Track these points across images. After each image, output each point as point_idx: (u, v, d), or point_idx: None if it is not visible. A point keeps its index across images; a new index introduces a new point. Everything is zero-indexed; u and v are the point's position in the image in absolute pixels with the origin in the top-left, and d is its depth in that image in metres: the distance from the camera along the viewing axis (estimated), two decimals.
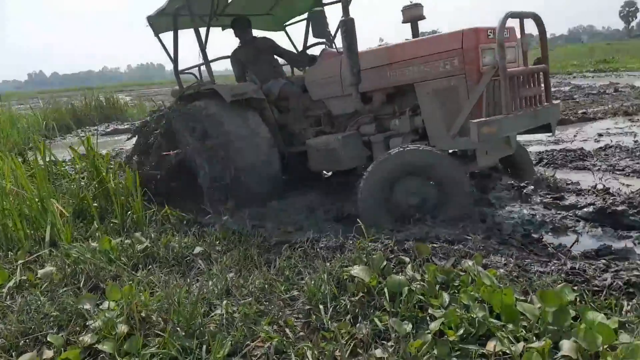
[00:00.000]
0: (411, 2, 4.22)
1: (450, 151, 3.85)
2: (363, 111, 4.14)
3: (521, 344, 1.85)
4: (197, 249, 3.29)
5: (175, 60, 4.93)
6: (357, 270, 2.52)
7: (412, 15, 4.23)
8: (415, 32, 4.31)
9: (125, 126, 13.21)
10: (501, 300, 2.05)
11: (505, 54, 3.20)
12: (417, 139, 3.90)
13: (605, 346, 1.78)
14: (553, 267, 2.53)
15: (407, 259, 2.70)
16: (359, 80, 3.76)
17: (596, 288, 2.27)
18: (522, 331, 1.96)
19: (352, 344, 2.07)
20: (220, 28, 5.50)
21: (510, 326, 1.97)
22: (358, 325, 2.19)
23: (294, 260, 2.98)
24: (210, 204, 4.20)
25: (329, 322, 2.23)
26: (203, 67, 4.92)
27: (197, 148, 4.35)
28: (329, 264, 2.74)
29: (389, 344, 2.03)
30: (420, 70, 3.70)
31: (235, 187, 4.20)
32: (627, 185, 4.33)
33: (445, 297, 2.26)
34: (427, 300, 2.26)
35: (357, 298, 2.39)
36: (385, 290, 2.36)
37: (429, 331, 2.02)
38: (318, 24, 4.12)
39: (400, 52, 3.85)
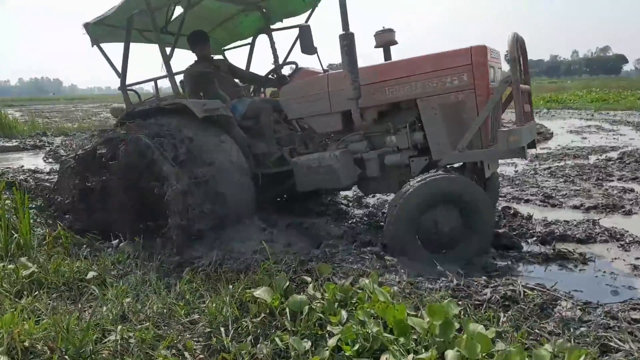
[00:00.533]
0: (383, 27, 4.30)
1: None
2: (359, 127, 4.02)
3: (411, 356, 1.97)
4: (91, 274, 3.11)
5: (123, 74, 4.52)
6: (259, 292, 2.55)
7: (385, 40, 4.30)
8: (387, 56, 4.35)
9: (14, 143, 12.17)
10: (394, 315, 2.18)
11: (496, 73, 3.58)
12: (416, 155, 3.88)
13: (483, 354, 1.95)
14: (441, 284, 2.72)
15: (309, 279, 2.77)
16: (359, 95, 3.69)
17: (477, 302, 2.49)
18: (412, 344, 2.09)
19: None
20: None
21: (402, 340, 2.10)
22: (259, 345, 2.20)
23: (195, 284, 2.93)
24: (182, 235, 3.64)
25: (230, 344, 2.22)
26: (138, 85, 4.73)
27: (174, 173, 3.66)
28: (232, 286, 2.73)
29: None
30: (424, 85, 3.71)
31: (213, 216, 3.78)
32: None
33: (344, 314, 2.36)
34: (326, 318, 2.34)
35: (259, 319, 2.41)
36: (287, 310, 2.40)
37: (327, 347, 2.09)
38: (305, 39, 4.06)
39: (400, 69, 3.84)
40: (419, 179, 3.40)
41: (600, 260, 3.51)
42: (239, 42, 5.69)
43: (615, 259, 3.53)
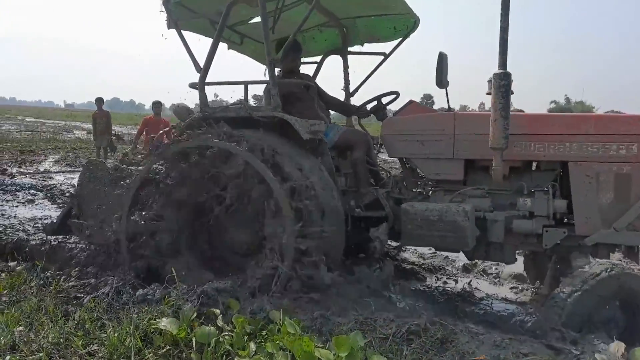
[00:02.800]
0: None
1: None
2: (496, 182, 3.42)
3: None
4: None
5: (206, 68, 3.64)
6: (165, 323, 2.47)
7: None
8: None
9: None
10: (302, 348, 2.21)
11: None
12: (552, 225, 3.34)
13: None
14: (351, 318, 2.79)
15: (218, 311, 2.73)
16: (507, 146, 3.13)
17: (383, 335, 2.58)
18: None
19: None
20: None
21: None
22: None
23: (97, 313, 2.78)
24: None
25: None
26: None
27: (278, 192, 3.10)
28: (136, 316, 2.63)
29: None
30: (582, 148, 3.26)
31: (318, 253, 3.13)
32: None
33: (252, 346, 2.35)
34: (234, 350, 2.32)
35: (163, 350, 2.34)
36: (194, 341, 2.35)
37: None
38: (442, 69, 3.57)
39: (555, 124, 3.38)
40: (603, 269, 2.85)
41: None
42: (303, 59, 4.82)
43: None
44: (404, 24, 4.30)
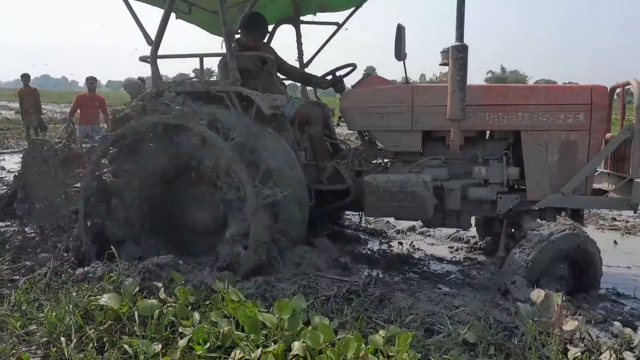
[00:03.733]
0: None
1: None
2: (452, 152, 3.51)
3: (259, 350, 2.07)
4: None
5: (157, 41, 3.49)
6: (106, 299, 2.45)
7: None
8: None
9: None
10: (245, 313, 2.27)
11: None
12: (505, 192, 3.52)
13: (326, 343, 2.12)
14: (294, 283, 2.87)
15: (160, 284, 2.73)
16: (463, 117, 3.16)
17: (324, 297, 2.67)
18: (262, 339, 2.19)
19: None
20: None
21: (252, 335, 2.18)
22: (106, 353, 2.13)
23: (34, 294, 2.72)
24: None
25: (73, 353, 2.11)
26: None
27: (254, 193, 3.03)
28: (75, 294, 2.59)
29: None
30: (533, 118, 3.43)
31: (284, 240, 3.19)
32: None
33: (196, 316, 2.38)
34: (178, 321, 2.34)
35: (105, 326, 2.33)
36: (136, 314, 2.35)
37: (178, 348, 2.10)
38: (399, 41, 3.49)
39: (508, 95, 3.51)
40: (557, 230, 3.04)
41: None
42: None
43: None
44: None
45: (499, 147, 3.63)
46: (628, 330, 2.35)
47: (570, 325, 2.18)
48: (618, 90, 3.64)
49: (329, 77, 4.25)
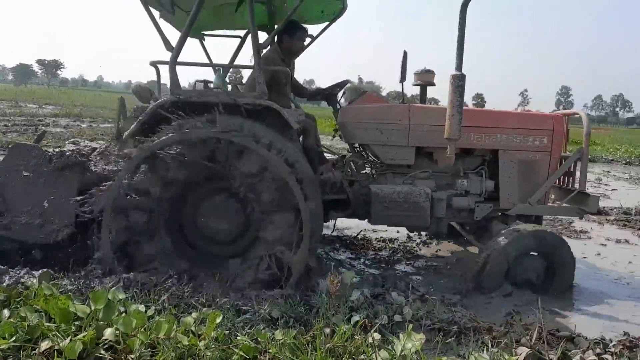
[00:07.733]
0: (425, 68, 4.32)
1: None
2: (444, 167, 4.02)
3: (68, 339, 2.15)
4: None
5: (178, 48, 3.40)
6: None
7: (424, 81, 4.32)
8: (423, 96, 4.37)
9: None
10: (57, 306, 2.32)
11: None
12: (482, 201, 4.04)
13: (139, 327, 2.28)
14: (113, 277, 2.95)
15: None
16: (460, 137, 3.40)
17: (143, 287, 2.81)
18: (73, 329, 2.26)
19: None
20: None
21: (63, 326, 2.25)
22: None
23: None
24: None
25: None
26: None
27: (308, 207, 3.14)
28: None
29: None
30: (509, 139, 3.99)
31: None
32: None
33: (6, 312, 2.37)
34: None
35: None
36: None
37: None
38: (403, 64, 3.75)
39: (488, 119, 4.05)
40: (529, 227, 3.63)
41: None
42: (225, 32, 4.76)
43: None
44: (332, 9, 4.35)
45: (476, 162, 4.20)
46: (400, 298, 2.89)
47: (354, 295, 2.63)
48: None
49: (324, 88, 4.51)
